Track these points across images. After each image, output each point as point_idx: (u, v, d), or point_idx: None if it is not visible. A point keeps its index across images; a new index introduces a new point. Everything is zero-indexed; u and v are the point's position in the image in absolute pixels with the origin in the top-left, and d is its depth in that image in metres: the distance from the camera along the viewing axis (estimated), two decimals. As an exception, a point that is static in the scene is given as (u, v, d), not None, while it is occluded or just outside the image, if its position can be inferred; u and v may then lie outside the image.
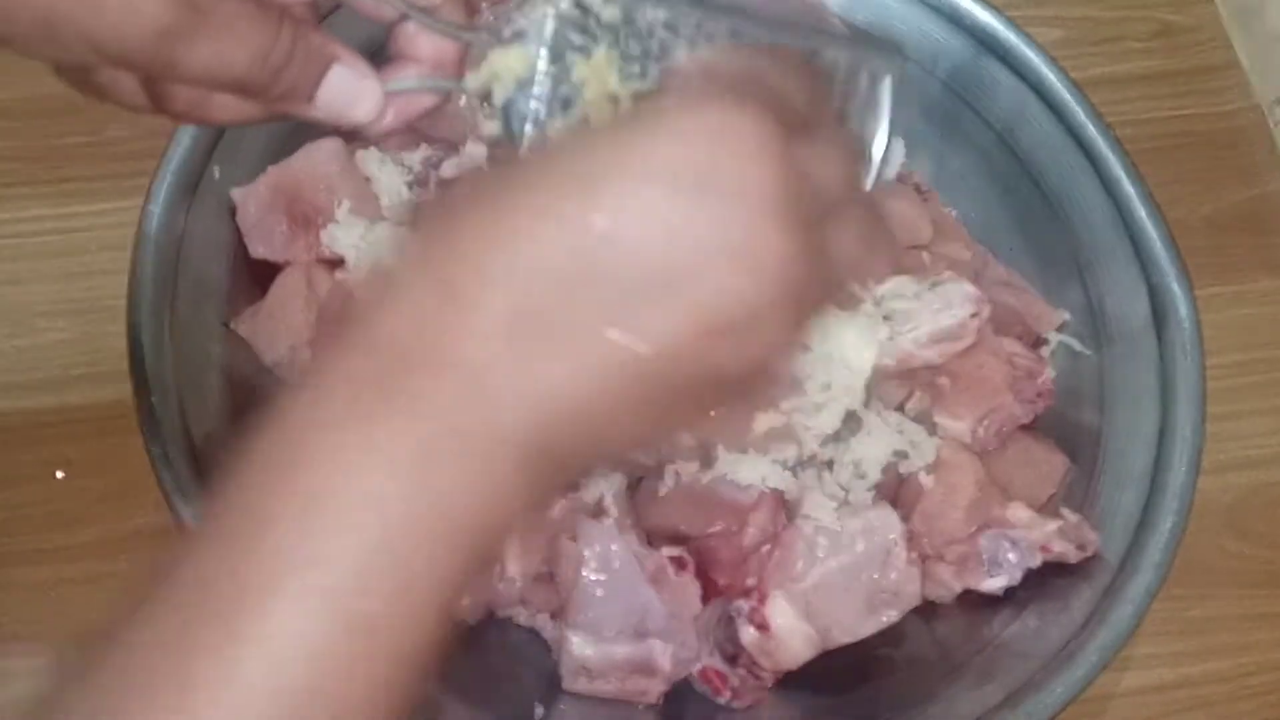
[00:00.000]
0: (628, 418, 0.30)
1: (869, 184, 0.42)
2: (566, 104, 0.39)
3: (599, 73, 0.39)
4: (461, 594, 0.29)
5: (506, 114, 0.39)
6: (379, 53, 0.39)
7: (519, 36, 0.39)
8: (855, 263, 0.32)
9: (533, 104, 0.39)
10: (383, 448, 0.28)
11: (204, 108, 0.37)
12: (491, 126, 0.39)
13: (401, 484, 0.28)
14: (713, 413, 0.32)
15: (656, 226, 0.28)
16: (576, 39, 0.39)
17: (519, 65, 0.39)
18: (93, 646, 0.28)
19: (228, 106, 0.37)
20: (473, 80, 0.39)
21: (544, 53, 0.39)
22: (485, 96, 0.39)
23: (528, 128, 0.39)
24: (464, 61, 0.40)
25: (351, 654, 0.27)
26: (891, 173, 0.68)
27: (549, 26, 0.39)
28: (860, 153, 0.38)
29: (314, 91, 0.36)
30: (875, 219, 0.33)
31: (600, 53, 0.39)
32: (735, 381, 0.31)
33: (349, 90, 0.37)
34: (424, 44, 0.39)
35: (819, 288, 0.30)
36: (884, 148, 0.43)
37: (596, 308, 0.28)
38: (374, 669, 0.28)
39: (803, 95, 0.32)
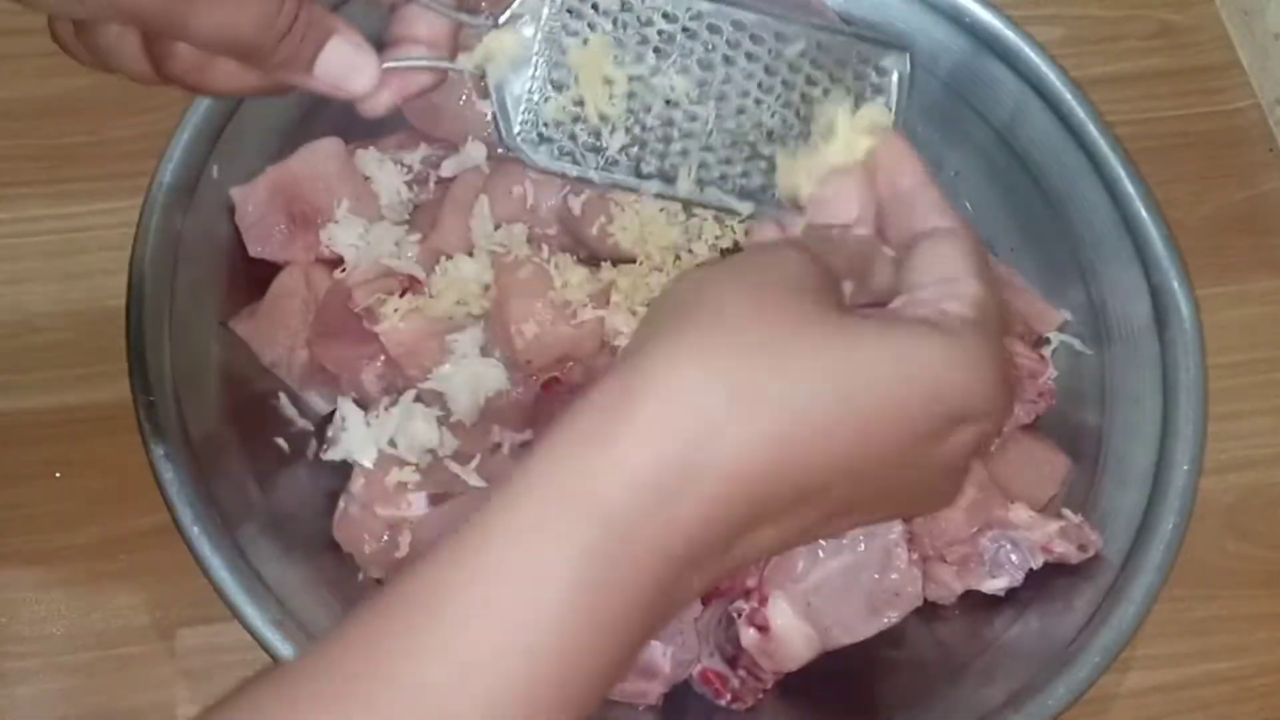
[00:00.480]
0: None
1: None
2: (560, 86, 0.40)
3: (594, 57, 0.40)
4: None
5: (500, 94, 0.40)
6: (380, 46, 0.39)
7: (515, 19, 0.39)
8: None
9: (525, 85, 0.39)
10: (535, 600, 0.28)
11: (204, 73, 0.37)
12: (485, 106, 0.40)
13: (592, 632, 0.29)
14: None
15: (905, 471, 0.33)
16: (573, 24, 0.40)
17: (513, 47, 0.39)
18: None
19: (227, 74, 0.37)
20: (467, 60, 0.40)
21: (539, 35, 0.39)
22: (480, 77, 0.40)
23: (520, 107, 0.40)
24: (460, 42, 0.40)
25: None
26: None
27: (545, 10, 0.39)
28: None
29: (313, 61, 0.37)
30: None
31: (596, 38, 0.39)
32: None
33: (347, 61, 0.37)
34: (422, 26, 0.39)
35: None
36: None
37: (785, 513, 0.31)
38: None
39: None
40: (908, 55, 0.43)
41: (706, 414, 0.29)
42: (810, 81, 0.42)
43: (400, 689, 0.27)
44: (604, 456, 0.29)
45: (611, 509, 0.29)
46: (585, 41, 0.40)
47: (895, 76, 0.43)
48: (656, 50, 0.40)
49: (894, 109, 0.43)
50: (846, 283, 0.38)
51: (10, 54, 0.70)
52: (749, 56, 0.42)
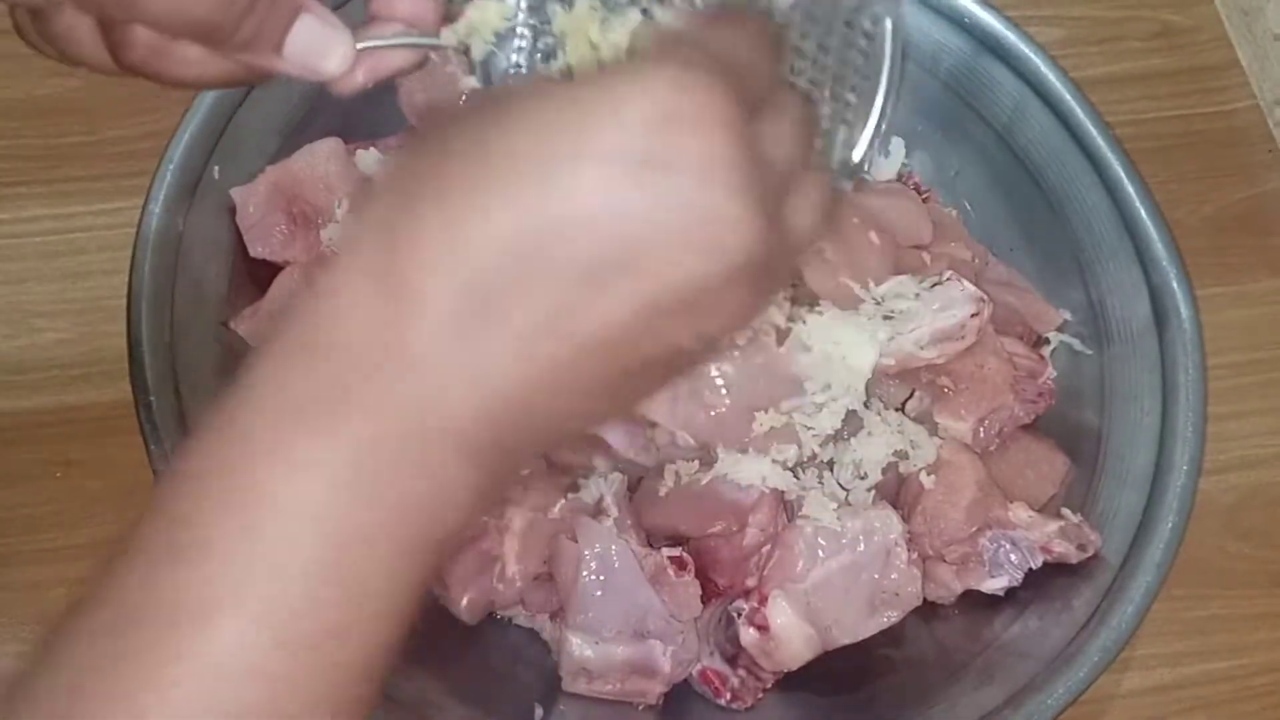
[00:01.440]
0: (580, 400, 0.29)
1: (872, 134, 0.40)
2: (547, 56, 0.38)
3: (580, 24, 0.38)
4: (417, 597, 0.29)
5: (486, 68, 0.38)
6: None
7: None
8: (810, 234, 0.31)
9: (512, 57, 0.38)
10: (329, 461, 0.27)
11: (164, 59, 0.35)
12: (471, 81, 0.38)
13: (350, 497, 0.27)
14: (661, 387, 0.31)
15: (610, 208, 0.27)
16: None
17: (497, 19, 0.38)
18: (31, 661, 0.27)
19: (189, 60, 0.35)
20: (450, 35, 0.38)
21: (522, 5, 0.38)
22: (464, 51, 0.38)
23: (507, 81, 0.38)
24: (443, 18, 0.38)
25: (294, 671, 0.26)
26: (893, 170, 0.68)
27: None
28: (817, 123, 0.36)
29: (281, 41, 0.35)
30: (827, 187, 0.32)
31: (582, 3, 0.38)
32: (688, 356, 0.30)
33: (318, 40, 0.35)
34: (402, 4, 0.37)
35: (776, 262, 0.30)
36: (889, 95, 0.41)
37: (550, 294, 0.27)
38: (320, 684, 0.27)
39: (758, 64, 0.30)
40: (900, 5, 0.42)
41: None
42: (803, 35, 0.41)
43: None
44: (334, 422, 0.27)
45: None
46: (570, 5, 0.38)
47: (889, 24, 0.42)
48: (644, 11, 0.39)
49: (889, 57, 0.42)
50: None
51: (9, 54, 0.70)
52: (738, 10, 0.40)
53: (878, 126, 0.40)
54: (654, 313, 0.28)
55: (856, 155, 0.40)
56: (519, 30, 0.38)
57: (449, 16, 0.38)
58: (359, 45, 0.36)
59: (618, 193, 0.27)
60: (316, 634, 0.27)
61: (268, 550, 0.26)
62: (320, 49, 0.35)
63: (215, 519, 0.27)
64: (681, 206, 0.27)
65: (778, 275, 0.30)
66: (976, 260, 0.65)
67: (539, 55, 0.39)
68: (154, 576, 0.27)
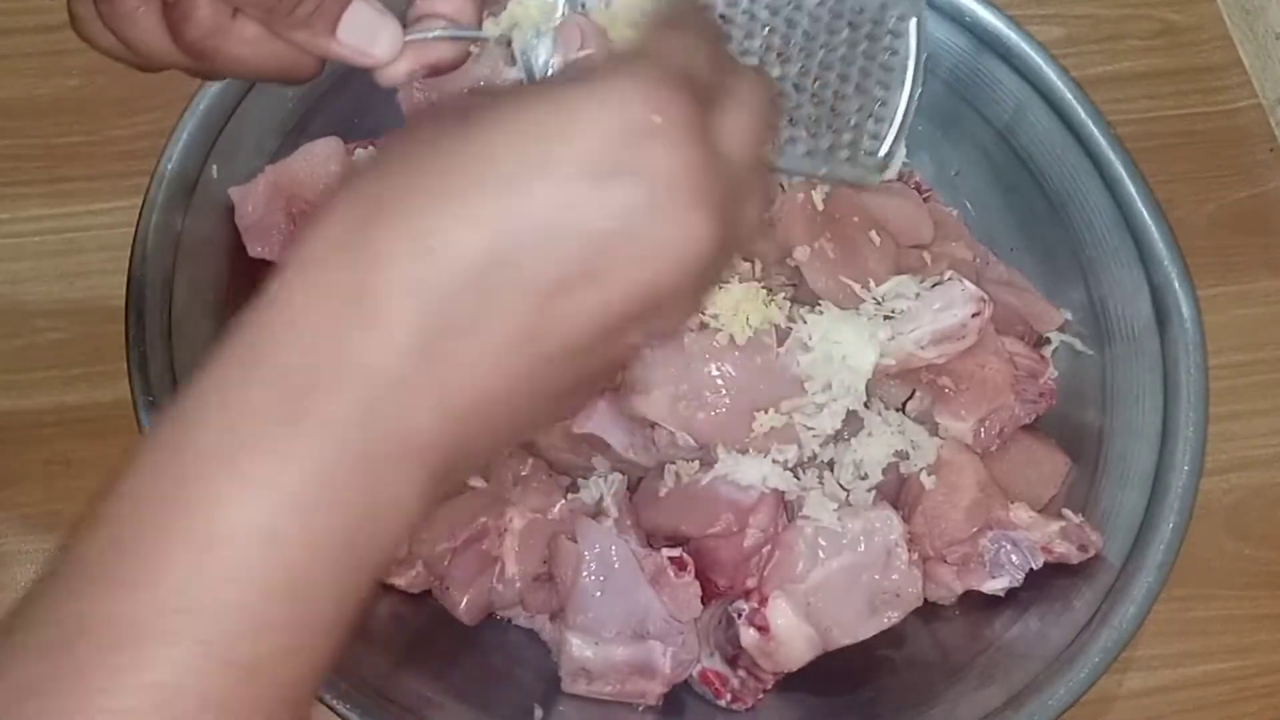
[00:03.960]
0: (535, 406, 0.29)
1: (898, 130, 0.42)
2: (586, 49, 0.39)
3: (618, 18, 0.39)
4: (364, 606, 0.28)
5: (526, 60, 0.39)
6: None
7: None
8: (754, 227, 0.31)
9: (552, 49, 0.39)
10: (283, 482, 0.26)
11: (223, 36, 0.36)
12: (513, 73, 0.39)
13: (304, 519, 0.26)
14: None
15: (574, 220, 0.27)
16: None
17: (538, 12, 0.39)
18: None
19: (246, 39, 0.36)
20: (492, 28, 0.39)
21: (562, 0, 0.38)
22: (506, 43, 0.39)
23: (548, 74, 0.39)
24: (484, 12, 0.39)
25: (239, 693, 0.26)
26: (893, 170, 0.68)
27: None
28: (777, 109, 0.36)
29: (336, 22, 0.36)
30: (769, 178, 0.32)
31: None
32: (633, 352, 0.31)
33: (369, 25, 0.37)
34: (445, 1, 0.39)
35: (724, 259, 0.30)
36: (914, 92, 0.42)
37: (517, 308, 0.27)
38: (266, 705, 0.26)
39: (710, 63, 0.31)
40: (924, 4, 0.43)
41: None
42: (831, 31, 0.42)
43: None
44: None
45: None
46: (608, 3, 0.39)
47: (913, 23, 0.42)
48: None
49: (914, 54, 0.43)
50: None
51: (9, 54, 0.70)
52: (770, 9, 0.41)
53: (903, 122, 0.41)
54: (617, 319, 0.28)
55: (883, 150, 0.41)
56: (559, 23, 0.39)
57: (491, 9, 0.39)
58: (406, 38, 0.38)
59: (581, 204, 0.27)
60: (264, 655, 0.26)
61: (215, 573, 0.26)
62: (371, 32, 0.37)
63: (161, 544, 0.26)
64: (646, 216, 0.27)
65: (721, 270, 0.31)
66: (977, 260, 0.65)
67: (579, 48, 0.39)
68: (92, 599, 0.26)
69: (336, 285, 0.27)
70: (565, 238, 0.27)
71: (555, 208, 0.27)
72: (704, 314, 0.56)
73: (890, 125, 0.42)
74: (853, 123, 0.42)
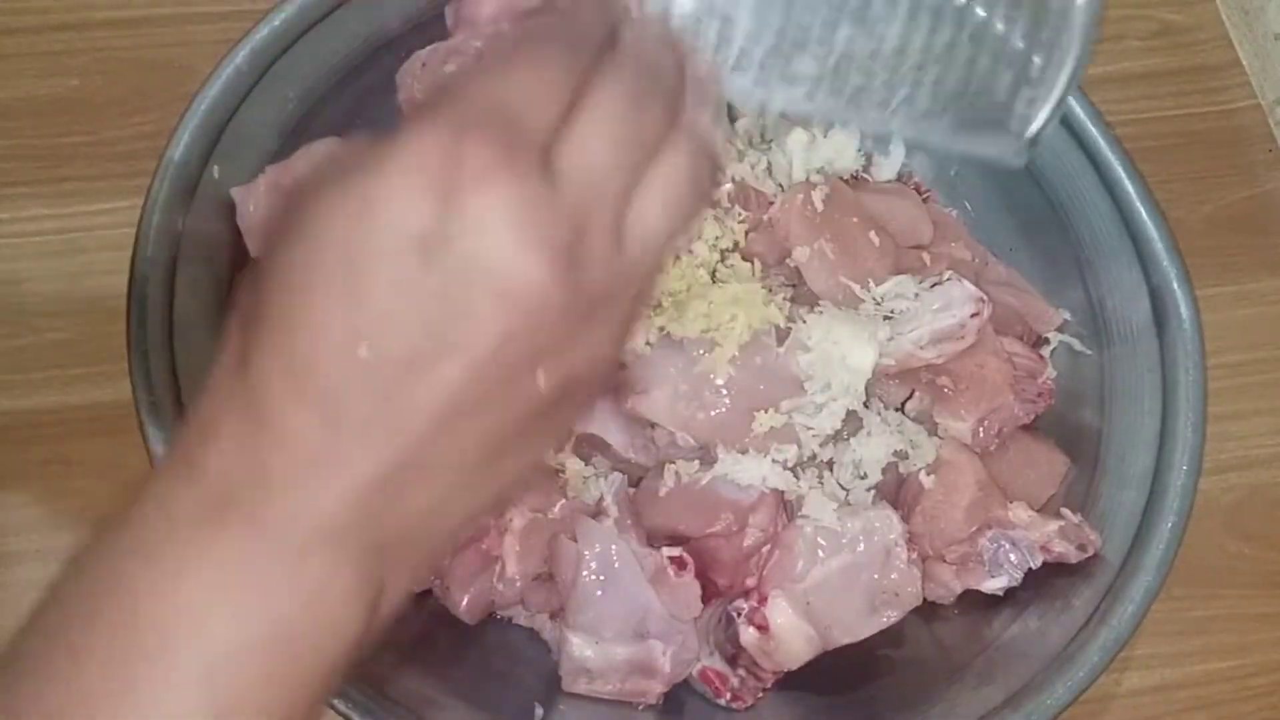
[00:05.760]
0: (456, 476, 0.30)
1: (1054, 107, 0.37)
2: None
3: None
4: (313, 711, 0.30)
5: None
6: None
7: None
8: (663, 232, 0.30)
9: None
10: (213, 580, 0.28)
11: None
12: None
13: (224, 610, 0.28)
14: (553, 437, 0.32)
15: (403, 300, 0.27)
16: None
17: None
18: None
19: None
20: None
21: None
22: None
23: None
24: None
25: None
26: (893, 170, 0.68)
27: None
28: (671, 95, 0.32)
29: None
30: (682, 169, 0.30)
31: None
32: (570, 401, 0.30)
33: None
34: None
35: (613, 283, 0.29)
36: (1078, 68, 0.36)
37: (382, 391, 0.28)
38: None
39: (549, 83, 0.29)
40: None
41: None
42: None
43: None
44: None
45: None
46: None
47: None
48: None
49: (1082, 26, 0.36)
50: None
51: (9, 54, 0.70)
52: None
53: (1061, 98, 0.37)
54: (481, 380, 0.28)
55: (1033, 129, 0.37)
56: None
57: None
58: None
59: (406, 281, 0.27)
60: None
61: (145, 663, 0.28)
62: None
63: (93, 639, 0.28)
64: (468, 274, 0.27)
65: (625, 294, 0.30)
66: (976, 260, 0.65)
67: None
68: (26, 694, 0.28)
69: (233, 403, 0.29)
70: (399, 317, 0.28)
71: (383, 291, 0.27)
72: (706, 327, 0.56)
73: (1045, 103, 0.37)
74: (1001, 96, 0.37)
